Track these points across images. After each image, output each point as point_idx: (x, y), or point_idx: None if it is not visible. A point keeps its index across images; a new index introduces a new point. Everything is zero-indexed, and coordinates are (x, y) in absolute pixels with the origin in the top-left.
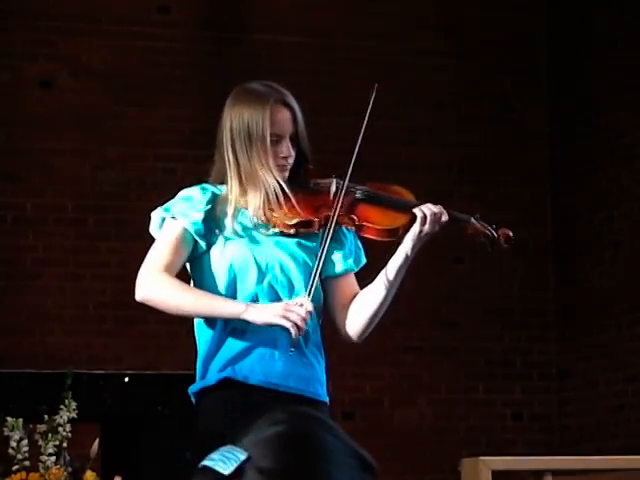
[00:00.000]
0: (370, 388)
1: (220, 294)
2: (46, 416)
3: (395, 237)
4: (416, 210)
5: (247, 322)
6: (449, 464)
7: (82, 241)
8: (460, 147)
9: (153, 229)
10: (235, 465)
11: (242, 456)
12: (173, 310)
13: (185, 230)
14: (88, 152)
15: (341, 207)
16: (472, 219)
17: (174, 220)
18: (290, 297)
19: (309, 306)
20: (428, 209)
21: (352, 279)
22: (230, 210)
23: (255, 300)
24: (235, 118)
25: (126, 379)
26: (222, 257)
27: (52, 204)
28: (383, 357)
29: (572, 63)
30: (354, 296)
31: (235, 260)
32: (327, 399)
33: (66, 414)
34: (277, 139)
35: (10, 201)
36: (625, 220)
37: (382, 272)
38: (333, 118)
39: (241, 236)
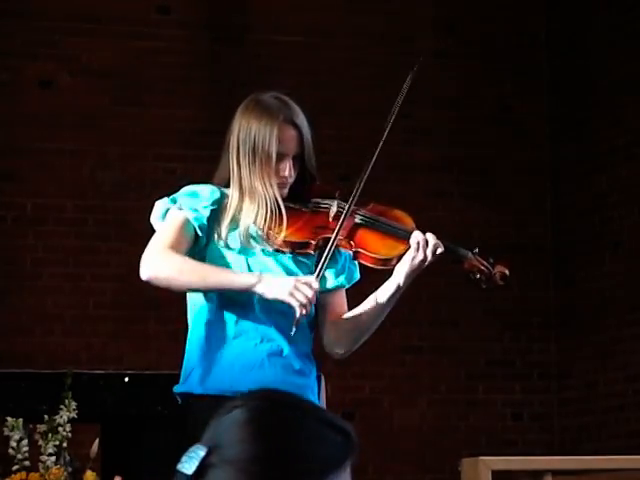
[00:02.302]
0: (370, 388)
1: (207, 300)
2: (46, 416)
3: (389, 266)
4: (412, 237)
5: (247, 309)
6: (449, 464)
7: (82, 241)
8: (460, 147)
9: (155, 218)
10: (197, 463)
11: (202, 452)
12: (182, 284)
13: (188, 222)
14: (88, 152)
15: (344, 232)
16: (470, 254)
17: (180, 211)
18: (283, 311)
19: (316, 286)
20: (423, 238)
21: (342, 296)
22: (227, 219)
23: (252, 311)
24: (243, 129)
25: (126, 379)
26: (219, 263)
27: (52, 204)
28: (383, 357)
29: (572, 63)
30: (341, 313)
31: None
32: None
33: (66, 414)
34: (280, 157)
35: (10, 201)
36: (625, 220)
37: (372, 296)
38: (333, 118)
39: (236, 246)
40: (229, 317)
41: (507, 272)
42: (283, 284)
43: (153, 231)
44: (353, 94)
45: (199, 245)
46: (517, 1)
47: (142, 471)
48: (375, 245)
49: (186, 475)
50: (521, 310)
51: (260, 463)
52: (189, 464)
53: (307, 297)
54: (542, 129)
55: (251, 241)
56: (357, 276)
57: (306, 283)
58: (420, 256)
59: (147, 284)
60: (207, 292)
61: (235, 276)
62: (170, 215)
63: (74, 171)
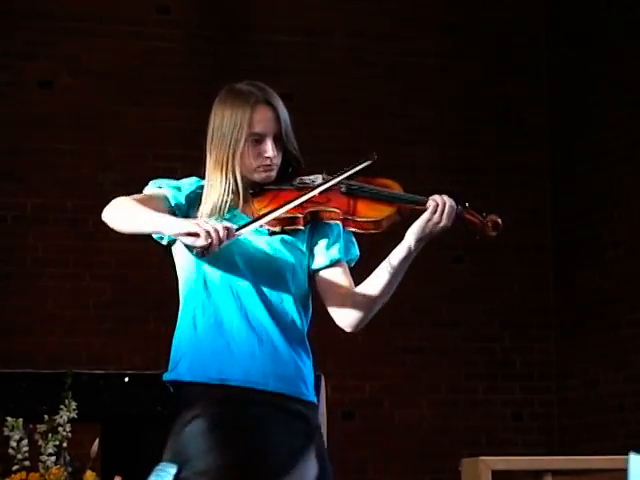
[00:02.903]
0: (370, 388)
1: (194, 287)
2: (46, 416)
3: (379, 229)
4: (430, 199)
5: (208, 295)
6: (449, 464)
7: (82, 241)
8: (460, 147)
9: None
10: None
11: (172, 469)
12: (118, 226)
13: (166, 198)
14: (88, 152)
15: (326, 201)
16: (460, 207)
17: (159, 189)
18: (276, 300)
19: (232, 228)
20: (441, 198)
21: (341, 270)
22: (202, 206)
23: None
24: (217, 117)
25: (126, 379)
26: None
27: (52, 204)
28: (383, 357)
29: (572, 63)
30: (346, 288)
31: (214, 254)
32: (314, 399)
33: (66, 414)
34: (259, 139)
35: (10, 201)
36: (625, 220)
37: (383, 264)
38: (333, 118)
39: None
40: (218, 304)
41: (499, 221)
42: (188, 221)
43: None
44: (353, 94)
45: None
46: (517, 1)
47: (142, 471)
48: (363, 211)
49: None
50: (521, 310)
51: (234, 468)
52: None
53: (216, 229)
54: (542, 129)
55: (236, 220)
56: (356, 252)
57: (222, 225)
58: (436, 217)
59: (147, 284)
60: (142, 235)
61: (161, 218)
62: (147, 190)
63: (74, 171)
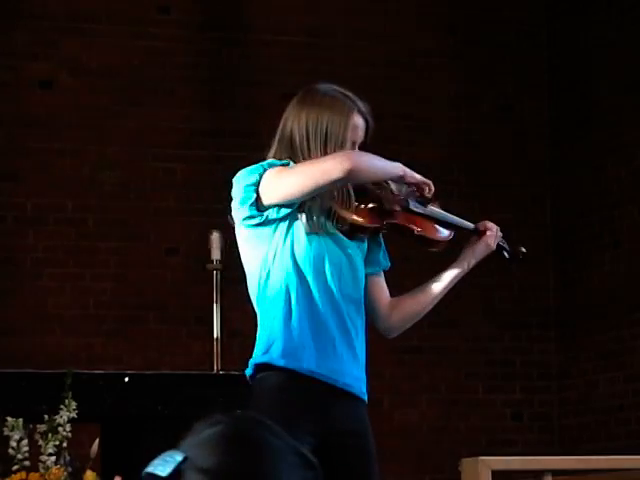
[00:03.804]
0: (370, 388)
1: (288, 274)
2: (46, 416)
3: (438, 248)
4: (488, 224)
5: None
6: (449, 464)
7: (82, 241)
8: (460, 147)
9: (245, 185)
10: (173, 466)
11: (179, 457)
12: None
13: None
14: (88, 152)
15: (406, 218)
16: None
17: (287, 165)
18: (354, 299)
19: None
20: (496, 227)
21: (384, 278)
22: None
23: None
24: (312, 119)
25: (126, 379)
26: (293, 238)
27: (52, 204)
28: (383, 357)
29: (572, 63)
30: (387, 296)
31: (307, 247)
32: (366, 397)
33: (66, 414)
34: (351, 144)
35: (10, 201)
36: (625, 220)
37: (437, 277)
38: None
39: (304, 226)
40: (311, 295)
41: (524, 250)
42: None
43: (153, 232)
44: (353, 94)
45: (280, 212)
46: (517, 1)
47: (142, 471)
48: (430, 230)
49: (160, 477)
50: (521, 310)
51: (233, 478)
52: (163, 467)
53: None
54: (542, 129)
55: (320, 223)
56: (389, 262)
57: None
58: (491, 241)
59: (147, 284)
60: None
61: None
62: (282, 167)
63: (74, 171)
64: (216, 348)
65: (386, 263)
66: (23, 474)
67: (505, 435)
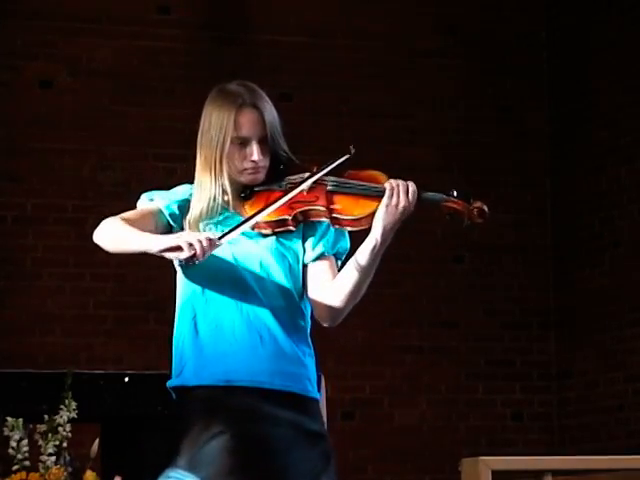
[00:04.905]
0: (370, 388)
1: (192, 292)
2: (46, 416)
3: (366, 225)
4: (386, 183)
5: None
6: (449, 464)
7: (82, 241)
8: (460, 147)
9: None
10: None
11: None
12: (111, 247)
13: (160, 211)
14: (88, 152)
15: (314, 200)
16: (444, 196)
17: (151, 201)
18: (280, 294)
19: (214, 237)
20: (396, 182)
21: (326, 264)
22: (191, 211)
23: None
24: (205, 120)
25: (126, 379)
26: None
27: (52, 204)
28: (383, 357)
29: (572, 63)
30: (327, 281)
31: (210, 259)
32: (317, 395)
33: (66, 414)
34: (244, 142)
35: (10, 201)
36: (625, 220)
37: (353, 257)
38: (333, 118)
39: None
40: (218, 308)
41: (485, 208)
42: (172, 236)
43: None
44: (353, 94)
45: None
46: (517, 1)
47: (142, 471)
48: (349, 208)
49: None
50: (521, 310)
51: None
52: None
53: (198, 239)
54: (542, 129)
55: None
56: (345, 245)
57: (204, 235)
58: (394, 200)
59: (147, 284)
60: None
61: (138, 239)
62: (139, 204)
63: (74, 171)
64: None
65: (321, 250)
66: (23, 474)
67: (505, 435)
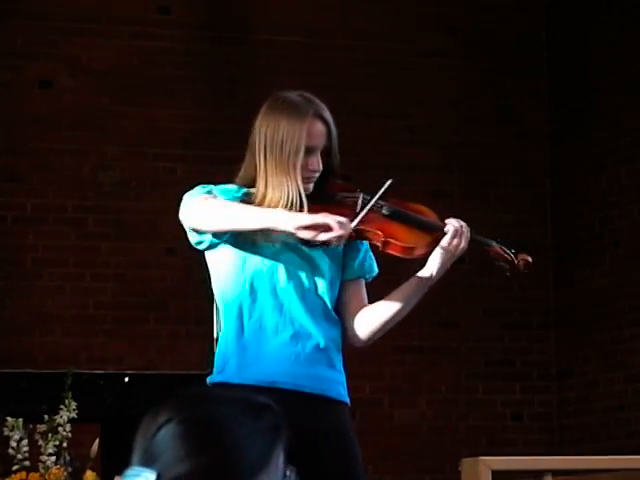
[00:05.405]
0: (370, 388)
1: (240, 292)
2: (46, 416)
3: (417, 255)
4: (449, 223)
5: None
6: (449, 464)
7: (82, 241)
8: (460, 147)
9: (186, 206)
10: None
11: (152, 476)
12: (228, 223)
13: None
14: (88, 152)
15: (368, 222)
16: (494, 242)
17: (211, 194)
18: (317, 303)
19: (343, 219)
20: (458, 222)
21: (362, 287)
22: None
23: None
24: (271, 126)
25: (126, 379)
26: (243, 255)
27: (52, 204)
28: (383, 357)
29: (572, 63)
30: (362, 304)
31: (258, 261)
32: (348, 400)
33: (66, 414)
34: (309, 152)
35: (10, 201)
36: (625, 220)
37: (404, 285)
38: (333, 118)
39: (261, 240)
40: (263, 308)
41: (530, 260)
42: (316, 215)
43: (153, 232)
44: (353, 94)
45: (223, 236)
46: (517, 1)
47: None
48: (404, 235)
49: None
50: (521, 310)
51: (214, 470)
52: None
53: (341, 221)
54: (542, 129)
55: (275, 235)
56: (376, 270)
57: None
58: (455, 242)
59: (147, 284)
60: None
61: (273, 213)
62: (197, 194)
63: (74, 171)
64: (216, 348)
65: (361, 272)
66: (23, 474)
67: (505, 435)
